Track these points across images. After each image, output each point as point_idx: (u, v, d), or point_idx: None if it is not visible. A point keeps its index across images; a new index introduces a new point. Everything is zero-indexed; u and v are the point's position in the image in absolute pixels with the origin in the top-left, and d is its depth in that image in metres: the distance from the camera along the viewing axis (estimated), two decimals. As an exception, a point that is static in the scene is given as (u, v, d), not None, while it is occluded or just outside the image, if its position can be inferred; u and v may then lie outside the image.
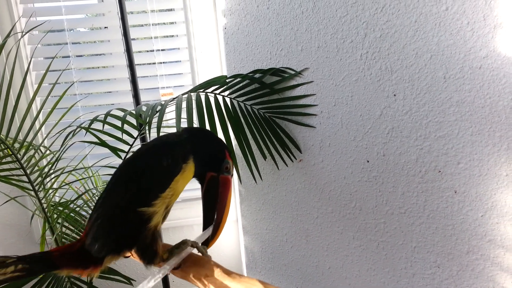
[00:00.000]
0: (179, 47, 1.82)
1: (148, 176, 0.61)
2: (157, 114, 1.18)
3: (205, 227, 0.70)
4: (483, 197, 1.05)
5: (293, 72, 1.20)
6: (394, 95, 1.07)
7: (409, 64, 1.04)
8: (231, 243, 2.07)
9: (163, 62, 1.82)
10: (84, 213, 1.61)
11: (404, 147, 1.10)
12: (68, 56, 1.75)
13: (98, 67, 1.83)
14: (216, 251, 2.07)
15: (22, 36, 1.15)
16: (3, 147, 1.21)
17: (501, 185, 1.04)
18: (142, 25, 1.78)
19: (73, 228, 1.55)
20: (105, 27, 1.79)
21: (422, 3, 0.98)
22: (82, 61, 1.78)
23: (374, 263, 1.23)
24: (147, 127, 1.15)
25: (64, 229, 1.51)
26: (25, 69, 1.70)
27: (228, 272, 0.57)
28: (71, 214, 1.52)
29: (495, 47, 0.97)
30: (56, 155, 1.28)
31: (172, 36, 1.80)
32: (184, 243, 0.63)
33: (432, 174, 1.09)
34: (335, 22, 1.09)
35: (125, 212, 0.58)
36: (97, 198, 1.66)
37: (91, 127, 1.30)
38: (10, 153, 1.18)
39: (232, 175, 0.70)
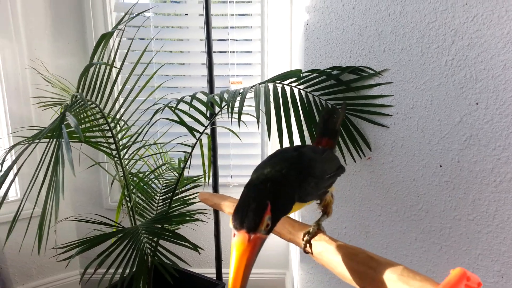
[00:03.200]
0: (252, 38, 1.90)
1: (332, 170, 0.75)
2: (238, 99, 1.26)
3: None
4: (559, 213, 1.05)
5: (372, 72, 1.23)
6: (476, 103, 1.09)
7: (496, 75, 1.05)
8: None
9: (236, 52, 1.90)
10: (154, 186, 1.73)
11: (480, 156, 1.11)
12: (148, 39, 1.87)
13: (176, 52, 1.93)
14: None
15: (126, 23, 1.25)
16: (99, 117, 1.33)
17: None
18: (219, 15, 1.86)
19: (143, 198, 1.68)
20: (185, 14, 1.89)
21: (518, 15, 0.99)
22: (162, 44, 1.89)
23: (434, 265, 1.25)
24: (229, 111, 1.23)
25: (136, 198, 1.64)
26: (113, 48, 1.83)
27: (333, 239, 0.65)
28: (144, 186, 1.65)
29: None
30: (142, 128, 1.39)
31: (247, 27, 1.87)
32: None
33: (506, 185, 1.10)
34: (423, 27, 1.11)
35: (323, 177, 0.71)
36: (163, 174, 1.77)
37: (166, 107, 1.40)
38: (105, 122, 1.30)
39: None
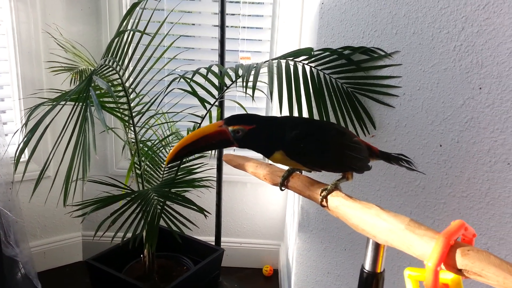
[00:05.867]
0: (263, 15, 1.93)
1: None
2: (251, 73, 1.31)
3: None
4: (547, 193, 1.14)
5: (383, 53, 1.29)
6: (480, 88, 1.16)
7: (501, 62, 1.12)
8: (277, 205, 2.23)
9: (246, 27, 1.94)
10: (161, 155, 1.79)
11: (479, 137, 1.20)
12: (163, 10, 1.89)
13: (186, 24, 1.96)
14: (261, 212, 2.23)
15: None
16: (116, 83, 1.38)
17: None
18: (233, -11, 1.89)
19: (151, 166, 1.74)
20: (199, -13, 1.92)
21: (526, 6, 1.05)
22: (174, 17, 1.91)
23: (427, 238, 1.35)
24: (243, 84, 1.28)
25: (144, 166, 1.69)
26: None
27: (349, 196, 0.72)
28: (153, 155, 1.70)
29: None
30: (157, 96, 1.44)
31: (259, 3, 1.91)
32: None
33: (500, 165, 1.18)
34: (435, 12, 1.17)
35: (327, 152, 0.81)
36: (170, 144, 1.83)
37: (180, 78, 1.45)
38: (122, 89, 1.35)
39: None
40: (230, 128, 0.76)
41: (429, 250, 0.56)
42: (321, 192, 0.77)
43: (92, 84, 1.06)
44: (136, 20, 1.33)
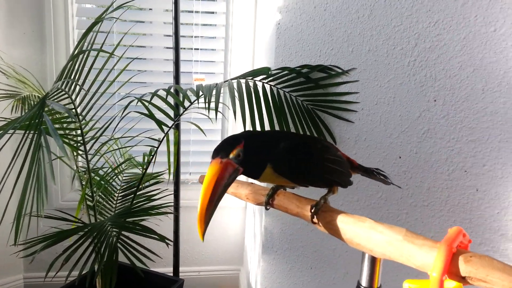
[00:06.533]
0: (216, 36, 1.92)
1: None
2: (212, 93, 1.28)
3: None
4: (502, 197, 1.21)
5: (340, 71, 1.33)
6: (435, 100, 1.22)
7: (453, 75, 1.19)
8: (235, 229, 2.17)
9: (199, 49, 1.91)
10: (114, 183, 1.68)
11: (436, 147, 1.25)
12: (113, 32, 1.82)
13: (137, 46, 1.89)
14: (219, 236, 2.17)
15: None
16: (70, 108, 1.27)
17: (514, 189, 1.21)
18: (184, 11, 1.86)
19: (103, 196, 1.63)
20: (150, 9, 1.87)
21: (472, 23, 1.13)
22: (127, 39, 1.84)
23: (392, 249, 1.37)
24: (206, 105, 1.25)
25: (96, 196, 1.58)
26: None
27: (340, 211, 0.71)
28: (106, 185, 1.59)
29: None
30: (111, 121, 1.35)
31: (212, 25, 1.90)
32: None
33: (458, 173, 1.24)
34: (389, 30, 1.23)
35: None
36: (124, 171, 1.73)
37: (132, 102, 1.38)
38: (75, 114, 1.25)
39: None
40: (231, 156, 0.69)
41: (430, 260, 0.55)
42: (311, 208, 0.74)
43: (46, 109, 0.97)
44: (89, 44, 1.26)
